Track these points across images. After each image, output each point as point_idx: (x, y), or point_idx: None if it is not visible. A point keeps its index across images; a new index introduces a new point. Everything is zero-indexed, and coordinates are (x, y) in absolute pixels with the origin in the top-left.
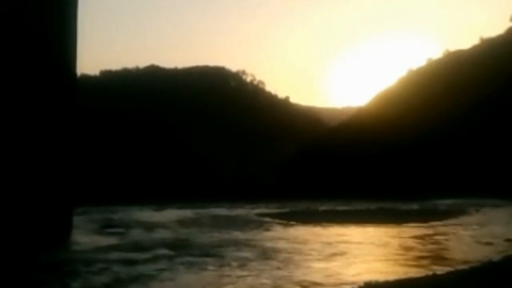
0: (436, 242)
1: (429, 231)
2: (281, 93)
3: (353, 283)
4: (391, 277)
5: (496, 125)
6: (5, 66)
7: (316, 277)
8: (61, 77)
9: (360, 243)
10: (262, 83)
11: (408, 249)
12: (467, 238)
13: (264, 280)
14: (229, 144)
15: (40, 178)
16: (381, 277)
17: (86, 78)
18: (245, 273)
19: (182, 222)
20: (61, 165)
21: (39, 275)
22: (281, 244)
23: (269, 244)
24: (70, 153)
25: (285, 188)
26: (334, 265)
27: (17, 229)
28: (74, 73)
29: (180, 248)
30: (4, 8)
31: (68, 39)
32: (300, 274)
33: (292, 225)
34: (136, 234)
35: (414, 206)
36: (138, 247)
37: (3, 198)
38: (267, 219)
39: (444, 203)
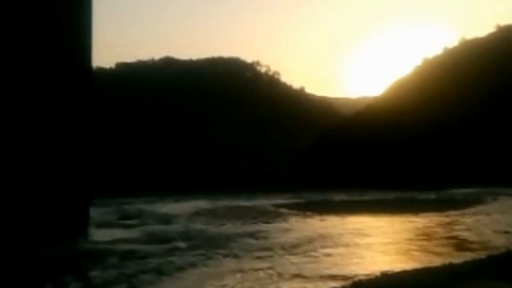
0: (453, 231)
1: (446, 220)
2: (296, 84)
3: (369, 273)
4: (408, 266)
5: None
6: (20, 61)
7: (332, 268)
8: (77, 71)
9: (376, 233)
10: (278, 73)
11: (424, 238)
12: (484, 227)
13: (280, 272)
14: (245, 135)
15: (57, 171)
16: (397, 267)
17: (102, 71)
18: (261, 265)
19: (198, 214)
20: (77, 157)
21: (56, 267)
22: (297, 235)
23: (285, 236)
24: (86, 145)
25: (301, 178)
26: (350, 256)
27: (34, 222)
28: (90, 66)
29: (196, 239)
30: (19, 3)
31: (83, 32)
32: (316, 265)
33: (308, 215)
34: (153, 226)
35: (431, 196)
36: (154, 239)
37: (20, 191)
38: (283, 210)
39: (461, 192)
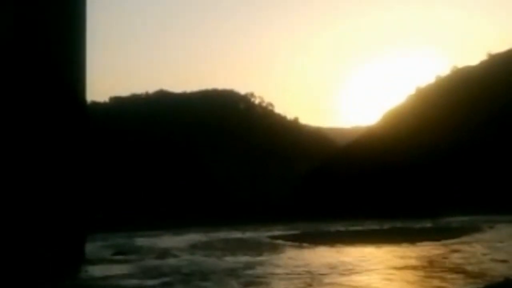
0: (450, 261)
1: (443, 249)
2: (290, 115)
3: None
4: None
5: (507, 140)
6: (14, 96)
7: None
8: (71, 105)
9: (373, 264)
10: (271, 105)
11: (422, 268)
12: (481, 255)
13: None
14: (240, 166)
15: (52, 205)
16: None
17: (96, 105)
18: None
19: (194, 247)
20: (72, 192)
21: None
22: (293, 268)
23: (280, 268)
24: (81, 180)
25: (296, 209)
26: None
27: (28, 257)
28: (84, 101)
29: (192, 274)
30: (13, 37)
31: (77, 67)
32: None
33: (304, 247)
34: (148, 261)
35: (427, 224)
36: (150, 274)
37: (14, 226)
38: (279, 241)
39: (457, 220)
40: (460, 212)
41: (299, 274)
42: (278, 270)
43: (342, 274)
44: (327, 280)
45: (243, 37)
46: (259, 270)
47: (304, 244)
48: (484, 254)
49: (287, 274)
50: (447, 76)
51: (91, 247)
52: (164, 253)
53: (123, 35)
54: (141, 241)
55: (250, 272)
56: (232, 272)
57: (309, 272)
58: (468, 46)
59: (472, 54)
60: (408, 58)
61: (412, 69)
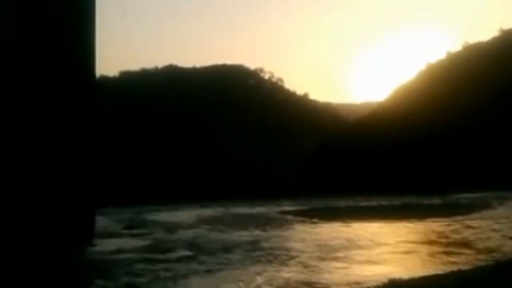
0: (461, 236)
1: (453, 226)
2: (300, 90)
3: (377, 280)
4: (416, 273)
5: None
6: (23, 70)
7: (338, 276)
8: (81, 79)
9: (383, 239)
10: (281, 80)
11: (431, 244)
12: (491, 232)
13: (286, 279)
14: (249, 142)
15: (61, 180)
16: (405, 274)
17: (106, 80)
18: (266, 272)
19: (203, 222)
20: (82, 166)
21: (61, 277)
22: (304, 242)
23: (291, 243)
24: (90, 155)
25: (306, 184)
26: (358, 262)
27: (39, 231)
28: (94, 75)
29: (202, 248)
30: (22, 16)
31: (86, 41)
32: (322, 273)
33: (314, 222)
34: (158, 235)
35: (437, 201)
36: (159, 248)
37: (23, 201)
38: (289, 217)
39: (466, 196)
40: (469, 189)
41: (315, 247)
42: (293, 244)
43: (358, 248)
44: (343, 253)
45: (253, 12)
46: (274, 244)
47: (314, 220)
48: (495, 230)
49: (304, 247)
50: (458, 52)
51: (101, 222)
52: (175, 227)
53: (134, 9)
54: (150, 215)
55: (266, 245)
56: (248, 246)
57: (325, 245)
58: (480, 22)
59: (484, 30)
60: (419, 34)
61: (423, 45)
